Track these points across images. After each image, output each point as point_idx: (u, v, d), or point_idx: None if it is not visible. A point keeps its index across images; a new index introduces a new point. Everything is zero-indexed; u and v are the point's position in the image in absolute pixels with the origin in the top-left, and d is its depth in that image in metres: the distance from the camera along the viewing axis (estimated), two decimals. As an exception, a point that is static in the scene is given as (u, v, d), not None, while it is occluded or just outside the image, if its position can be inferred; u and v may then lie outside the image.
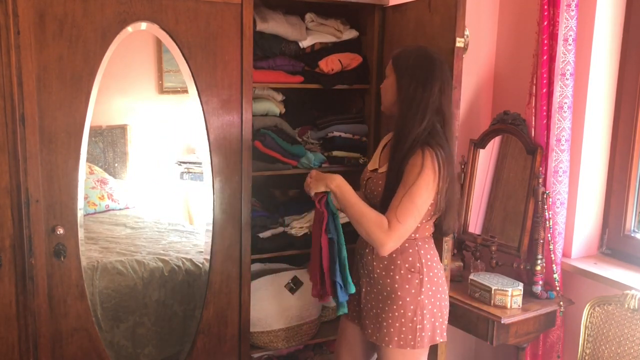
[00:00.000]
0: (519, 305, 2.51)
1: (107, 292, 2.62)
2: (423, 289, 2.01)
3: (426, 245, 2.07)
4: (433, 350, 2.31)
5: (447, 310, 2.11)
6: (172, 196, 3.66)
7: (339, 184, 1.98)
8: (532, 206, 2.65)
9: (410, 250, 2.03)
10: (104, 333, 2.52)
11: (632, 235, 2.70)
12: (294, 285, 2.59)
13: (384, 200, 1.98)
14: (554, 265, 2.63)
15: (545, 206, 2.60)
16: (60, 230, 2.08)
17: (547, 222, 2.61)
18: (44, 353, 2.15)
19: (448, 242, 2.28)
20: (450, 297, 2.48)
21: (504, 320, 2.43)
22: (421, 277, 2.01)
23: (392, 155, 2.00)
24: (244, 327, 2.51)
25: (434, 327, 2.04)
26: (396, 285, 2.01)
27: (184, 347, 2.55)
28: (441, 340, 2.08)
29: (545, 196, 2.60)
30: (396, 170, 1.96)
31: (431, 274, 2.04)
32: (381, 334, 2.04)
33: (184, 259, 2.87)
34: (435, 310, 2.04)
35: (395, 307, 2.01)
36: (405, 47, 2.09)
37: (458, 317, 2.59)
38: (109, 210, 3.57)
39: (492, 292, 2.51)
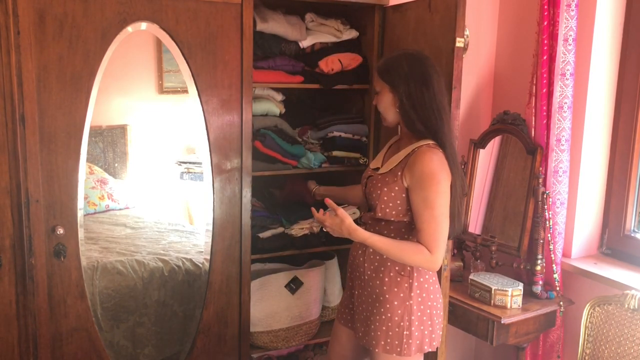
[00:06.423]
0: (519, 305, 2.51)
1: (107, 292, 2.62)
2: (412, 294, 1.96)
3: None
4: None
5: (440, 319, 2.05)
6: (172, 196, 3.66)
7: (363, 237, 1.91)
8: (532, 206, 2.65)
9: None
10: (104, 333, 2.52)
11: (632, 235, 2.70)
12: (294, 285, 2.59)
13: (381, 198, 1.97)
14: (554, 265, 2.63)
15: (545, 206, 2.60)
16: (60, 230, 2.08)
17: (547, 222, 2.61)
18: (44, 353, 2.15)
19: (448, 242, 2.27)
20: (450, 297, 2.49)
21: (504, 320, 2.43)
22: (411, 281, 1.97)
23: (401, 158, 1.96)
24: (244, 327, 2.51)
25: (423, 335, 1.99)
26: (385, 288, 1.97)
27: (184, 347, 2.55)
28: (430, 350, 2.02)
29: (545, 196, 2.60)
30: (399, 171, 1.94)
31: (422, 279, 1.98)
32: (369, 337, 2.01)
33: (184, 259, 2.87)
34: (425, 318, 1.98)
35: (382, 310, 1.97)
36: (388, 56, 2.03)
37: (458, 317, 2.60)
38: (109, 210, 3.57)
39: (492, 292, 2.51)
